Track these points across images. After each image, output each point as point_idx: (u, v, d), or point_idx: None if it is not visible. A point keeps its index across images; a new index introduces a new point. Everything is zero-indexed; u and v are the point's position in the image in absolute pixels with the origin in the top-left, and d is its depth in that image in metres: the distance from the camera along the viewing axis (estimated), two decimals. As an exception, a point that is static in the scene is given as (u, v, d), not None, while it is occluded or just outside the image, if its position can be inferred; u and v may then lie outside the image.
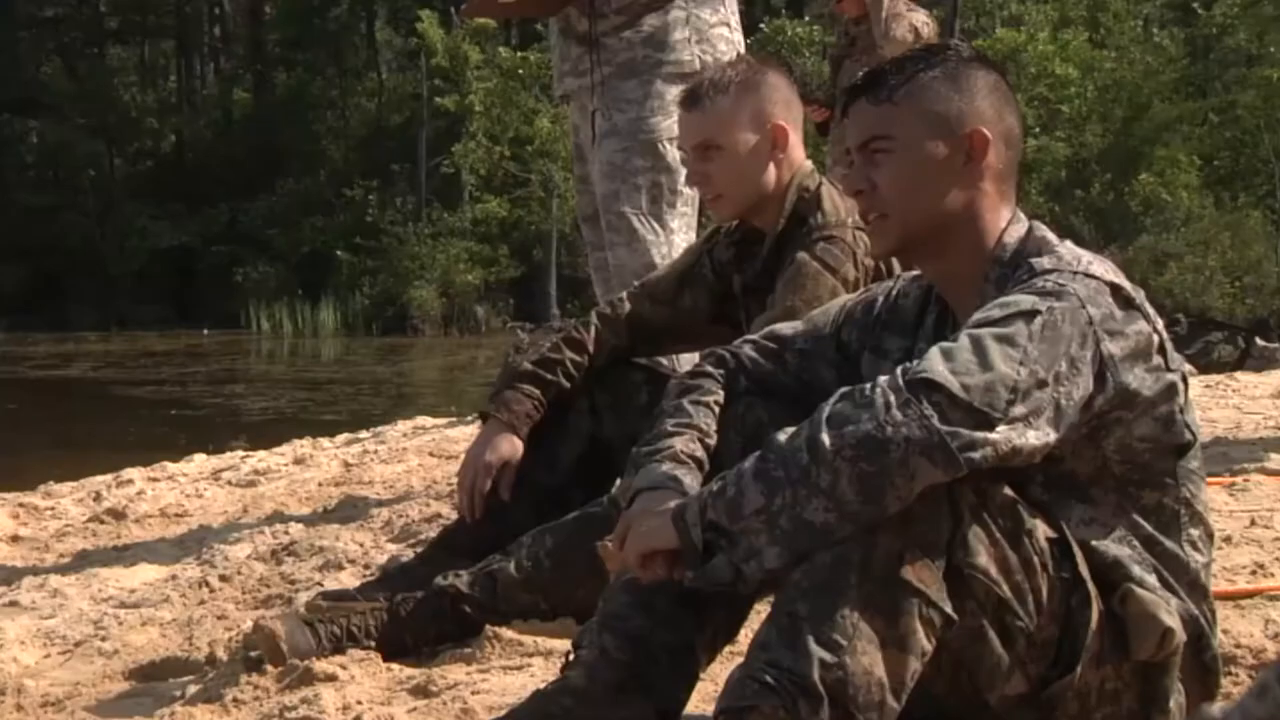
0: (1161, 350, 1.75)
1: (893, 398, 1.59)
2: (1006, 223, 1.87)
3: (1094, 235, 24.99)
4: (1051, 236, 1.86)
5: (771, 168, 2.75)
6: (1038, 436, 1.64)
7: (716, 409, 2.00)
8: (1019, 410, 1.62)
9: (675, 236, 3.76)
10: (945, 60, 1.87)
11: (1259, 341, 9.35)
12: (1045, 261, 1.78)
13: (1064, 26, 30.30)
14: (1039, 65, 28.09)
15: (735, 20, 3.88)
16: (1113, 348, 1.70)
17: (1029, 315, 1.67)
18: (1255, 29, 29.25)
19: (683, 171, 3.55)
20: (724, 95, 2.72)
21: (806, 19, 30.61)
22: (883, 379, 1.63)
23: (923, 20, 6.21)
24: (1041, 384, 1.64)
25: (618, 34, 3.76)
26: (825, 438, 1.59)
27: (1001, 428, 1.61)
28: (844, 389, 1.65)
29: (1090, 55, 28.83)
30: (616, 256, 3.78)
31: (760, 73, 2.77)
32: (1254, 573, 2.73)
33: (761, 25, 30.24)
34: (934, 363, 1.62)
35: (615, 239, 3.77)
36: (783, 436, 1.64)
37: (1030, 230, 1.87)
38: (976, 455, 1.59)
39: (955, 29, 22.43)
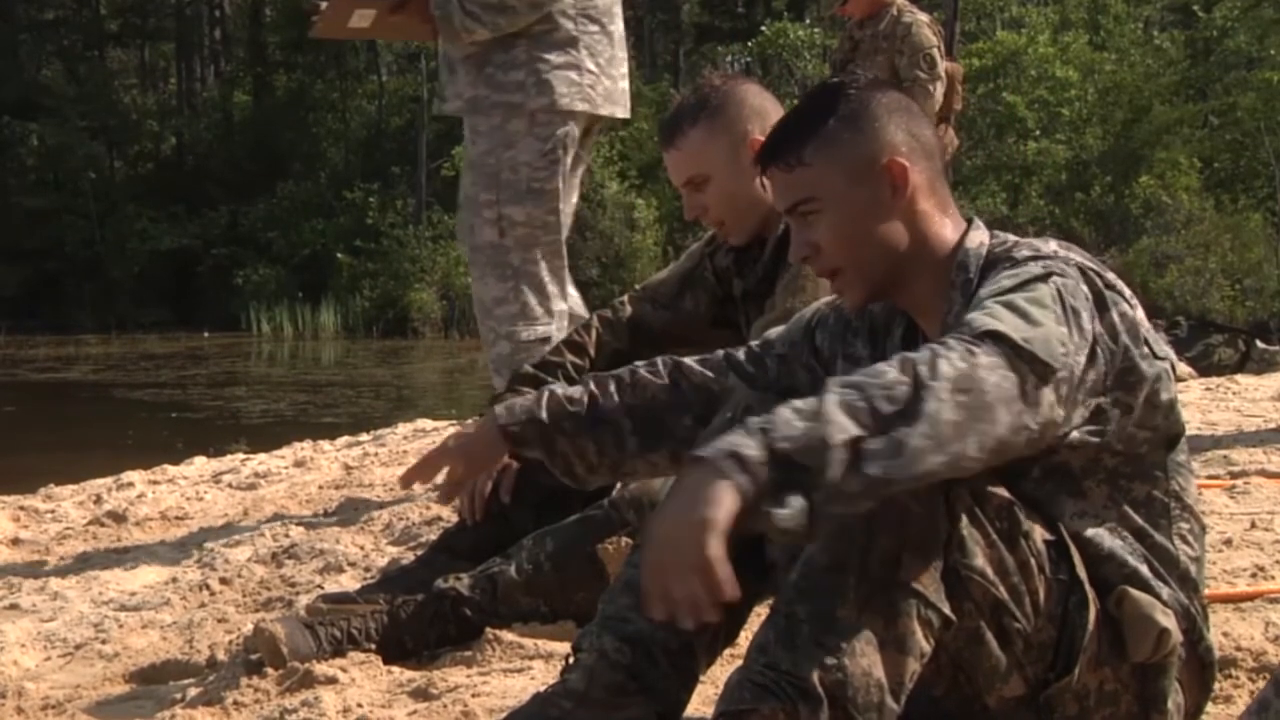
0: (1146, 339, 1.75)
1: (974, 346, 1.55)
2: (962, 231, 1.86)
3: (1094, 238, 25.04)
4: (1019, 238, 1.85)
5: (760, 181, 2.75)
6: (1063, 404, 1.60)
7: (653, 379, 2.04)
8: (1063, 372, 1.59)
9: (532, 266, 3.82)
10: (840, 102, 1.85)
11: (1259, 344, 9.32)
12: (1024, 251, 1.78)
13: (1064, 29, 30.35)
14: (1039, 68, 28.14)
15: (596, 63, 3.88)
16: (1101, 325, 1.69)
17: (1043, 278, 1.66)
18: (1255, 31, 29.29)
19: (528, 204, 3.78)
20: (694, 128, 2.71)
21: (808, 22, 30.64)
22: (948, 337, 1.58)
23: (926, 20, 6.22)
24: (1067, 350, 1.61)
25: (467, 64, 3.85)
26: (922, 369, 1.52)
27: (1049, 388, 1.57)
28: (909, 354, 1.57)
29: (1091, 58, 28.87)
30: (475, 288, 3.86)
31: (725, 94, 2.73)
32: (1254, 575, 2.73)
33: (763, 28, 30.31)
34: (986, 320, 1.58)
35: (473, 271, 3.85)
36: (858, 376, 1.55)
37: (994, 236, 1.86)
38: (1038, 419, 1.56)
39: (956, 31, 22.44)
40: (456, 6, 3.71)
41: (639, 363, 2.10)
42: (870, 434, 1.48)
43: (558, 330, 3.86)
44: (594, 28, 3.87)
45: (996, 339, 1.56)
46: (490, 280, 3.84)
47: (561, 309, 3.93)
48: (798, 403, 1.51)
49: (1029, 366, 1.56)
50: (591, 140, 4.11)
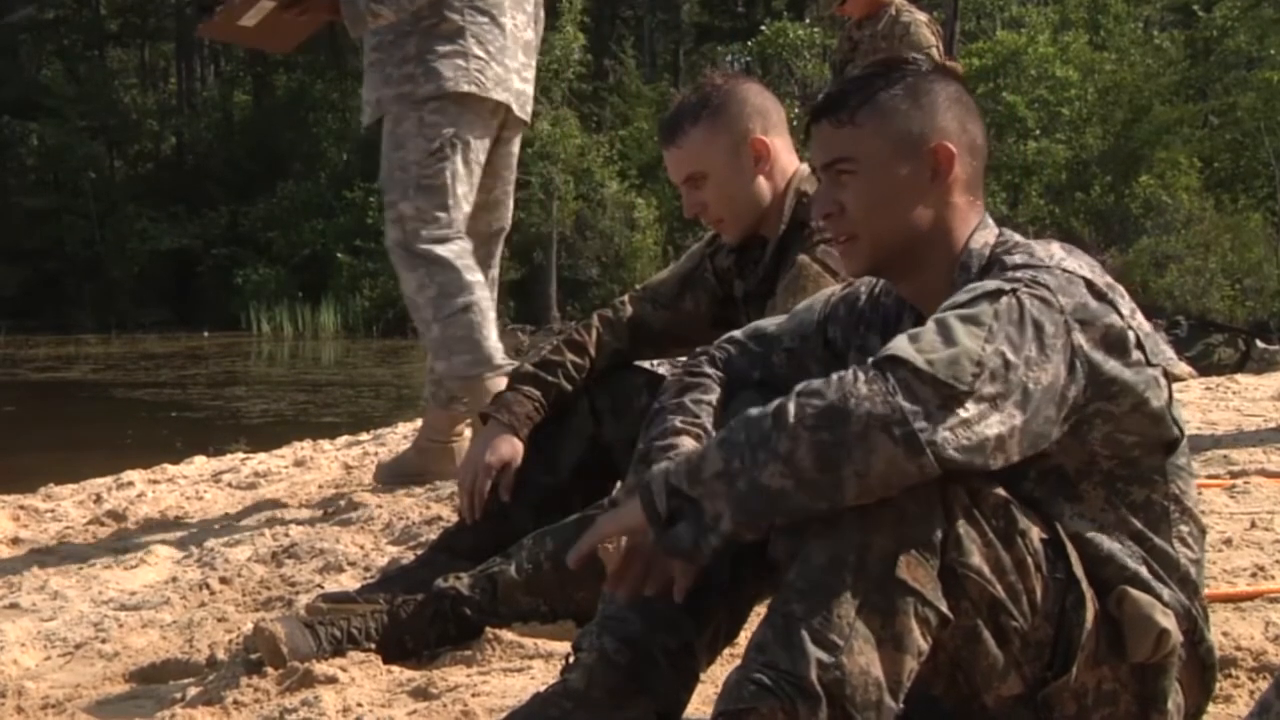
0: (1140, 345, 1.74)
1: (861, 375, 1.60)
2: (973, 229, 1.87)
3: (1094, 237, 25.05)
4: (1022, 239, 1.86)
5: (761, 180, 2.75)
6: (1002, 421, 1.61)
7: (716, 408, 2.00)
8: (987, 389, 1.60)
9: (432, 251, 4.05)
10: (905, 77, 1.86)
11: (1259, 344, 9.35)
12: (1017, 258, 1.78)
13: (1064, 29, 30.34)
14: (1039, 67, 28.15)
15: (485, 50, 4.09)
16: (1083, 338, 1.69)
17: (993, 295, 1.67)
18: (1255, 31, 29.30)
19: (418, 199, 4.04)
20: (695, 126, 2.71)
21: (807, 21, 30.64)
22: (854, 365, 1.63)
23: (924, 20, 6.22)
24: (1009, 365, 1.62)
25: (371, 71, 4.14)
26: (790, 406, 1.60)
27: (969, 404, 1.59)
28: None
29: (1091, 57, 28.87)
30: (402, 290, 4.14)
31: (727, 93, 2.74)
32: (1254, 575, 2.73)
33: (763, 28, 30.32)
34: (899, 342, 1.63)
35: (398, 274, 4.15)
36: (755, 410, 1.64)
37: (1000, 235, 1.87)
38: (938, 436, 1.57)
39: (955, 31, 22.47)
40: None
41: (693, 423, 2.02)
42: (738, 471, 1.61)
43: (480, 298, 4.06)
44: (483, 19, 4.09)
45: (894, 364, 1.59)
46: (406, 275, 4.10)
47: (478, 279, 4.12)
48: (717, 434, 1.69)
49: (930, 388, 1.58)
50: (510, 135, 4.30)
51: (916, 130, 1.84)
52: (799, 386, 1.62)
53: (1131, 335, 1.73)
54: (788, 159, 2.79)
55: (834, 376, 1.61)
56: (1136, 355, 1.73)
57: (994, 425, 1.61)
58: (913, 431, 1.56)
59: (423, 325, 4.13)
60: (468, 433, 4.43)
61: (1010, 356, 1.62)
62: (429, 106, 4.04)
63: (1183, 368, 7.48)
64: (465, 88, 4.05)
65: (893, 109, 1.84)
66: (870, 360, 1.62)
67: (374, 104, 4.14)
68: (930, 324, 1.65)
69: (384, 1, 3.94)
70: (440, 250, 4.06)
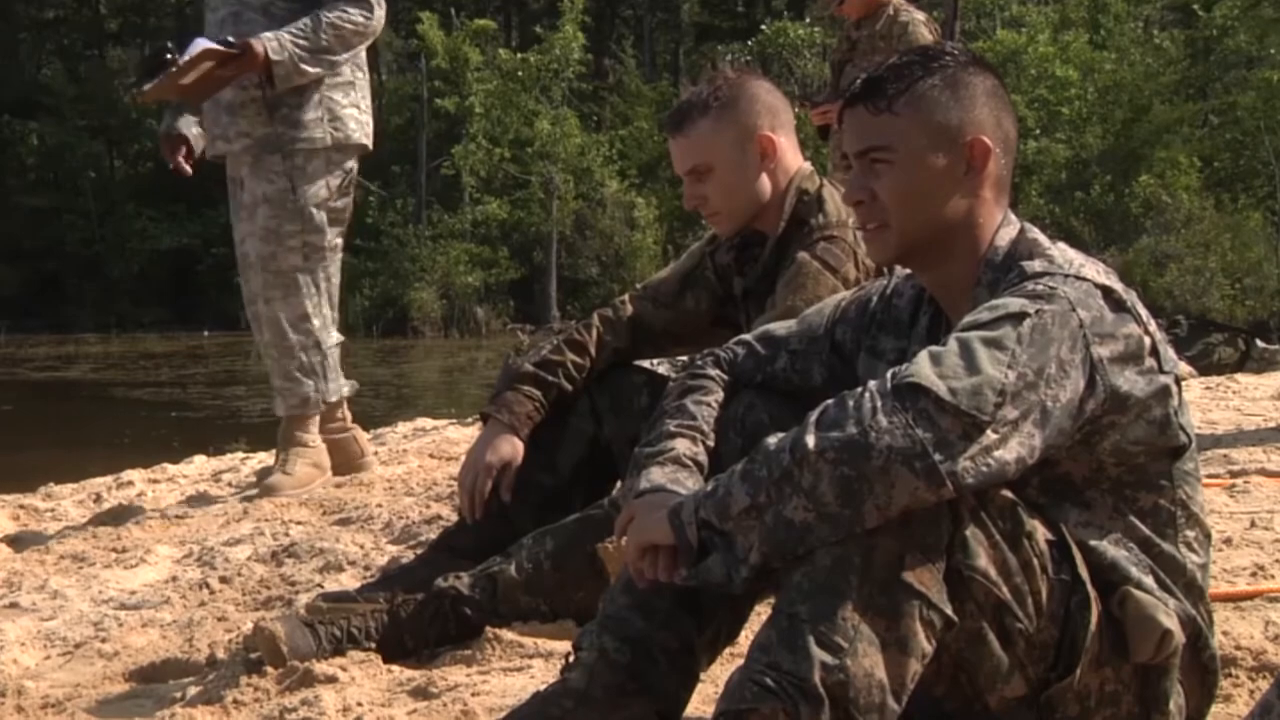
0: (1154, 353, 1.74)
1: (880, 403, 1.59)
2: (998, 225, 1.87)
3: (1094, 237, 25.06)
4: (1043, 239, 1.85)
5: (764, 178, 2.75)
6: (1021, 443, 1.62)
7: (718, 409, 2.00)
8: (1007, 413, 1.61)
9: (326, 284, 4.51)
10: (944, 67, 1.85)
11: (1259, 343, 9.33)
12: (1036, 264, 1.77)
13: (1064, 28, 30.35)
14: (1039, 67, 28.18)
15: (366, 103, 4.57)
16: (1103, 351, 1.69)
17: (1017, 318, 1.66)
18: (1255, 31, 29.30)
19: (328, 230, 4.47)
20: (705, 117, 2.72)
21: (807, 21, 30.65)
22: (872, 384, 1.62)
23: (923, 19, 6.21)
24: (1030, 386, 1.63)
25: (257, 107, 4.38)
26: (810, 439, 1.60)
27: (989, 432, 1.59)
28: (840, 394, 1.65)
29: (1090, 57, 28.88)
30: (272, 309, 4.44)
31: (738, 87, 2.74)
32: (1254, 574, 2.73)
33: (763, 27, 30.33)
34: (922, 367, 1.62)
35: (273, 294, 4.43)
36: (773, 440, 1.65)
37: (1022, 232, 1.86)
38: (959, 467, 1.58)
39: (955, 30, 22.43)
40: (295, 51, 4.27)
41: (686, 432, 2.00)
42: (764, 505, 1.61)
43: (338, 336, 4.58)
44: (361, 75, 4.52)
45: (915, 392, 1.59)
46: (294, 300, 4.44)
47: (335, 315, 4.60)
48: (738, 466, 1.67)
49: (952, 418, 1.58)
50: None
51: (954, 122, 1.83)
52: (813, 415, 1.62)
53: (1148, 342, 1.74)
54: (792, 158, 2.79)
55: (849, 401, 1.61)
56: (1150, 363, 1.74)
57: (1013, 449, 1.62)
58: (933, 464, 1.57)
59: (299, 344, 4.46)
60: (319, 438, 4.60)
61: (1031, 379, 1.63)
62: (331, 154, 4.42)
63: (1183, 368, 7.47)
64: (361, 139, 4.50)
65: (932, 99, 1.83)
66: (890, 383, 1.61)
67: (262, 139, 4.37)
68: (953, 344, 1.64)
69: (311, 61, 4.29)
70: (334, 283, 4.54)
